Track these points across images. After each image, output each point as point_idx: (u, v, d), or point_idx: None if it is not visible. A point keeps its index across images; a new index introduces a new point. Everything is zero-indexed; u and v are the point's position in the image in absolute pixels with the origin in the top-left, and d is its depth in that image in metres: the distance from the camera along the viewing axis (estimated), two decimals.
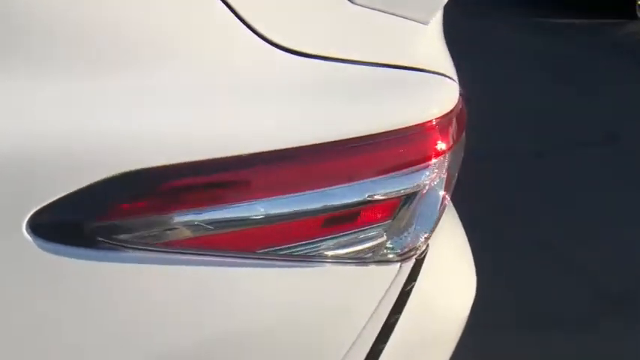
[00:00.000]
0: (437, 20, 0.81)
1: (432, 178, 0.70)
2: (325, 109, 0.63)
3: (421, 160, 0.67)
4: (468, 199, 2.31)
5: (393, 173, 0.65)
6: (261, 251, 0.61)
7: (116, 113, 0.54)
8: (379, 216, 0.65)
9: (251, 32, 0.60)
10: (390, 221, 0.66)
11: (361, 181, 0.62)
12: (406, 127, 0.65)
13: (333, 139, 0.61)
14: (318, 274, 0.64)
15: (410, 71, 0.70)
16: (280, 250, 0.61)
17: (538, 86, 3.74)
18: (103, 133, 0.53)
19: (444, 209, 0.77)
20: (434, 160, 0.69)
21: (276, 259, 0.62)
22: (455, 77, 0.78)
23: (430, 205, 0.72)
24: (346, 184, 0.62)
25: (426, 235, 0.72)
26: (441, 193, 0.74)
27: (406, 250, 0.70)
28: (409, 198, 0.67)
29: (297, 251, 0.62)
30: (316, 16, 0.69)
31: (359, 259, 0.66)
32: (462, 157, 0.82)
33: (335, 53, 0.66)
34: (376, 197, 0.63)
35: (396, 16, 0.74)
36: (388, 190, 0.64)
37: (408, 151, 0.66)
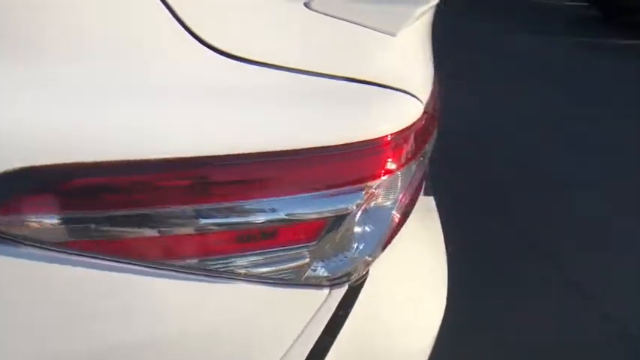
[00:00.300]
0: (411, 31, 0.76)
1: (374, 199, 0.65)
2: (258, 118, 0.59)
3: (356, 180, 0.62)
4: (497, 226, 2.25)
5: (320, 192, 0.60)
6: (166, 262, 0.57)
7: (19, 109, 0.52)
8: (301, 237, 0.60)
9: (190, 35, 0.58)
10: (314, 243, 0.61)
11: (280, 198, 0.58)
12: (340, 145, 0.60)
13: (255, 151, 0.57)
14: (232, 291, 0.61)
15: (364, 85, 0.65)
16: (189, 262, 0.58)
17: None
18: (2, 128, 0.51)
19: (394, 233, 0.71)
20: (377, 181, 0.64)
21: (184, 272, 0.58)
22: (421, 93, 0.72)
23: (375, 228, 0.67)
24: (263, 199, 0.58)
25: (365, 260, 0.67)
26: (392, 214, 0.69)
27: (338, 274, 0.65)
28: (339, 220, 0.62)
29: (208, 265, 0.59)
30: (269, 22, 0.65)
31: (279, 280, 0.62)
32: (420, 176, 0.77)
33: (279, 61, 0.62)
34: (295, 217, 0.59)
35: (359, 25, 0.70)
36: (310, 211, 0.60)
37: (342, 169, 0.61)
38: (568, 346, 1.72)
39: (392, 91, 0.67)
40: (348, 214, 0.62)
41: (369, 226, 0.67)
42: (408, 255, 0.81)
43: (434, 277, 0.88)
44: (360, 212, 0.64)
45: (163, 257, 0.58)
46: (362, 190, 0.62)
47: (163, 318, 0.59)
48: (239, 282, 0.60)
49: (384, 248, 0.69)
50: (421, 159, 0.76)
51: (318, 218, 0.60)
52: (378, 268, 0.72)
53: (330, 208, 0.61)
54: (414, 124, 0.68)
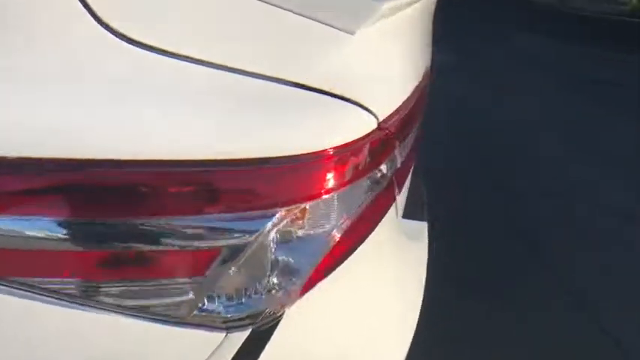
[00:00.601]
0: (377, 30, 0.63)
1: (298, 225, 0.53)
2: (162, 119, 0.49)
3: (267, 203, 0.50)
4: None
5: (213, 215, 0.48)
6: (14, 279, 0.47)
7: None
8: (185, 267, 0.49)
9: (95, 21, 0.49)
10: (202, 276, 0.50)
11: (158, 218, 0.47)
12: (246, 159, 0.49)
13: (140, 158, 0.46)
14: (101, 324, 0.50)
15: (300, 90, 0.54)
16: (36, 281, 0.48)
17: None
18: None
19: (330, 266, 0.58)
20: (298, 204, 0.52)
21: (39, 294, 0.48)
22: (380, 105, 0.59)
23: (299, 260, 0.55)
24: (138, 218, 0.47)
25: (279, 299, 0.55)
26: (326, 244, 0.56)
27: (239, 316, 0.53)
28: (238, 250, 0.50)
29: (68, 289, 0.48)
30: (200, 11, 0.55)
31: (159, 317, 0.50)
32: (379, 198, 0.64)
33: (204, 56, 0.52)
34: (178, 242, 0.48)
35: (311, 19, 0.58)
36: (197, 237, 0.48)
37: (247, 188, 0.50)
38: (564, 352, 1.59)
39: (335, 100, 0.55)
40: (248, 243, 0.50)
41: (290, 258, 0.54)
42: (360, 292, 0.67)
43: (396, 322, 0.74)
44: (273, 241, 0.52)
45: (19, 274, 0.48)
46: (272, 215, 0.50)
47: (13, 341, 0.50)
48: (111, 314, 0.50)
49: (311, 285, 0.57)
50: (378, 180, 0.63)
51: (208, 247, 0.49)
52: (310, 309, 0.59)
53: (224, 236, 0.49)
54: (358, 141, 0.56)
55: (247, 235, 0.49)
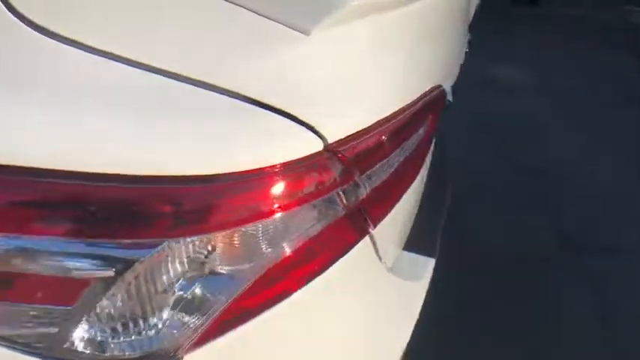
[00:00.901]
0: (344, 32, 0.53)
1: (201, 258, 0.45)
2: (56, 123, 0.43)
3: (157, 230, 0.43)
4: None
5: (81, 237, 0.41)
6: None
7: None
8: (43, 293, 0.42)
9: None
10: (69, 307, 0.42)
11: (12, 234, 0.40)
12: (130, 176, 0.41)
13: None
14: None
15: (229, 99, 0.46)
16: None
17: None
18: None
19: (253, 309, 0.50)
20: (198, 235, 0.44)
21: None
22: (332, 124, 0.50)
23: (203, 299, 0.47)
24: None
25: (176, 341, 0.46)
26: (239, 284, 0.48)
27: (131, 355, 0.45)
28: (114, 279, 0.42)
29: None
30: (137, 6, 0.49)
31: (28, 348, 0.43)
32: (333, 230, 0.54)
33: (126, 52, 0.46)
34: (35, 265, 0.41)
35: (257, 14, 0.50)
36: (59, 262, 0.41)
37: (129, 208, 0.42)
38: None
39: (267, 112, 0.47)
40: (130, 272, 0.42)
41: (196, 292, 0.47)
42: (298, 341, 0.57)
43: None
44: (171, 271, 0.45)
45: None
46: (159, 243, 0.43)
47: None
48: None
49: (225, 329, 0.49)
50: (327, 210, 0.53)
51: (77, 273, 0.42)
52: (218, 356, 0.50)
53: (98, 262, 0.42)
54: (290, 164, 0.47)
55: (128, 263, 0.42)
